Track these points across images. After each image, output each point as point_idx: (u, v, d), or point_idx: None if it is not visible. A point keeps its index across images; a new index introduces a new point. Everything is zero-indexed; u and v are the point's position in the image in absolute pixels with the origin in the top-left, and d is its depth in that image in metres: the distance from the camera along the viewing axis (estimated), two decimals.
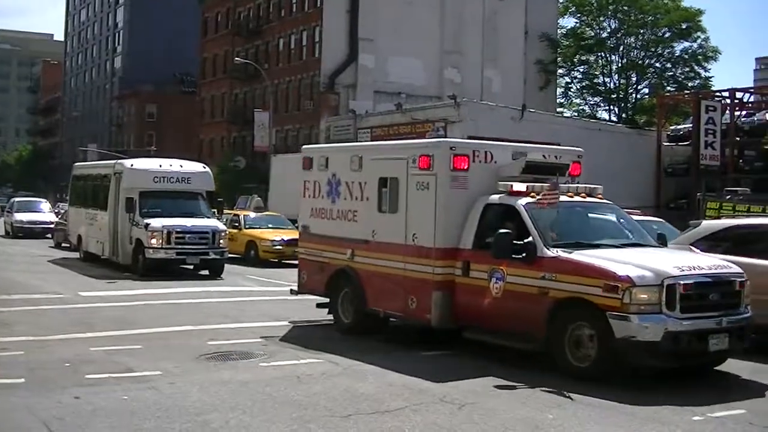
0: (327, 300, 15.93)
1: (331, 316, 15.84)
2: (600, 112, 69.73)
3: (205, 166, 29.32)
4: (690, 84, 65.72)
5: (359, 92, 61.98)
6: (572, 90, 71.98)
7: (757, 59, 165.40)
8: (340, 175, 15.53)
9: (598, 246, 12.49)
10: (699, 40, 66.04)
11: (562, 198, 12.92)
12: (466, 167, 13.50)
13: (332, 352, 13.06)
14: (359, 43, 62.49)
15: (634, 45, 67.50)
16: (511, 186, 13.21)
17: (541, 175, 13.71)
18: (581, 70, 70.43)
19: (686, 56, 66.96)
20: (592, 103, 70.94)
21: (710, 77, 67.40)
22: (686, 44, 66.55)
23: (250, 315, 17.57)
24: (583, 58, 69.10)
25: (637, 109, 67.35)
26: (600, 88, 69.27)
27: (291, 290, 17.28)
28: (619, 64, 68.04)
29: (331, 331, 15.35)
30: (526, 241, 12.34)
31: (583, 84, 70.53)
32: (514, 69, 66.53)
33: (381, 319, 14.83)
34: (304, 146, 18.27)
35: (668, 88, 65.75)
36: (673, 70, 67.94)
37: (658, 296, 11.06)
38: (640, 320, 10.99)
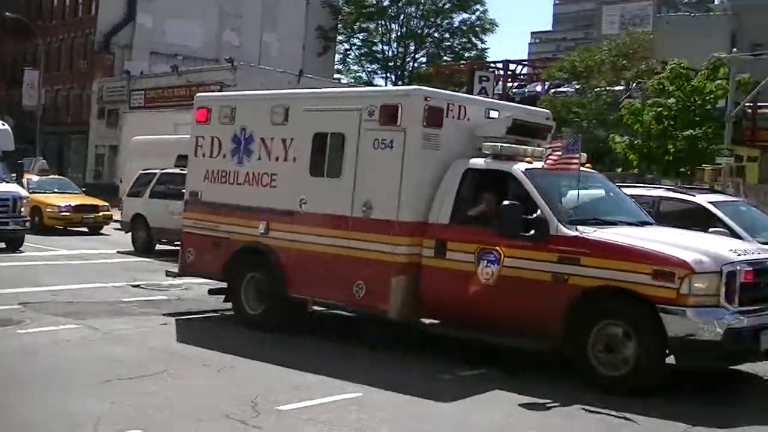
0: (224, 285, 12.44)
1: (227, 305, 12.60)
2: (377, 79, 69.62)
3: (4, 122, 24.50)
4: (466, 55, 67.18)
5: (135, 53, 57.57)
6: (351, 57, 71.76)
7: (532, 33, 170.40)
8: (254, 130, 12.19)
9: (615, 224, 9.95)
10: (477, 12, 67.41)
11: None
12: (440, 123, 10.57)
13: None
14: (137, 2, 57.79)
15: (414, 14, 67.58)
16: (501, 148, 10.41)
17: (524, 137, 11.03)
18: (361, 37, 70.28)
19: (464, 27, 68.26)
20: (369, 70, 70.83)
21: (486, 49, 69.42)
22: (465, 16, 67.92)
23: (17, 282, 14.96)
24: (364, 25, 68.91)
25: (414, 77, 67.49)
26: (378, 55, 69.30)
27: (167, 272, 13.60)
28: (399, 33, 68.11)
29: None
30: (535, 216, 9.58)
31: (362, 51, 70.46)
32: (294, 34, 64.34)
33: (304, 310, 11.55)
34: (198, 94, 14.59)
35: (445, 57, 67.10)
36: (451, 40, 69.12)
37: (717, 286, 8.70)
38: (699, 315, 8.55)
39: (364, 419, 7.71)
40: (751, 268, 9.04)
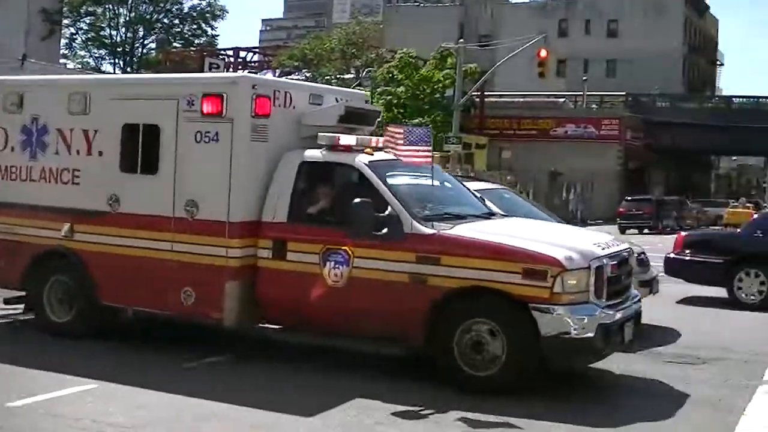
0: (20, 293, 10.90)
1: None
2: (105, 65, 67.50)
3: None
4: (197, 41, 66.71)
5: None
6: (77, 42, 69.20)
7: (263, 20, 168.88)
8: (48, 120, 10.59)
9: (465, 218, 9.35)
10: None
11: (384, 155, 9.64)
12: (268, 112, 9.53)
13: None
14: None
15: None
16: (338, 138, 9.52)
17: (354, 125, 10.20)
18: (88, 21, 68.00)
19: (194, 13, 67.77)
20: (97, 55, 68.77)
21: (217, 36, 69.38)
22: (195, 1, 67.58)
23: None
24: (91, 9, 66.62)
25: (143, 63, 65.67)
26: (106, 40, 67.30)
27: None
28: (127, 18, 66.50)
29: None
30: (386, 213, 8.80)
31: (89, 36, 68.21)
32: (17, 18, 59.62)
33: (116, 316, 10.29)
34: None
35: (175, 44, 66.06)
36: (181, 26, 68.60)
37: (587, 281, 8.30)
38: (572, 313, 8.15)
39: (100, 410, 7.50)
40: (615, 262, 8.72)
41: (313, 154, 9.55)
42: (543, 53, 35.20)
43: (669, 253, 16.26)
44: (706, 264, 15.60)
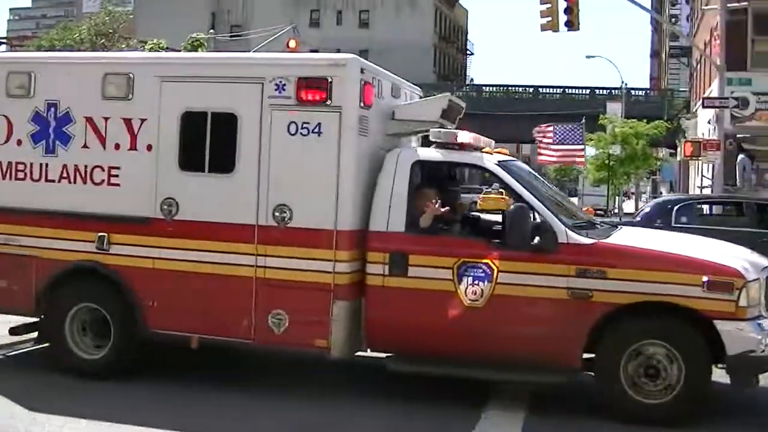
0: (32, 320, 8.84)
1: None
2: None
3: None
4: None
5: None
6: None
7: (11, 9, 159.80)
8: (71, 106, 8.53)
9: (615, 227, 8.40)
10: None
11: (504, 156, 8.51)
12: (371, 103, 8.10)
13: None
14: None
15: None
16: (455, 135, 8.21)
17: (446, 121, 8.91)
18: None
19: None
20: None
21: None
22: None
23: None
24: None
25: None
26: None
27: None
28: None
29: None
30: (538, 221, 7.62)
31: None
32: None
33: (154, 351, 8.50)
34: None
35: None
36: None
37: (759, 294, 7.51)
38: (756, 328, 7.34)
39: None
40: None
41: (430, 153, 8.20)
42: (292, 44, 36.05)
43: None
44: None
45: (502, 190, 48.94)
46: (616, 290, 7.41)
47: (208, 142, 8.18)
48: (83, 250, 8.47)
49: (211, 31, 40.99)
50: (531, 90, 67.18)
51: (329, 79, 7.84)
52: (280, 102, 7.96)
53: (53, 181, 8.61)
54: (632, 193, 62.98)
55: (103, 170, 8.46)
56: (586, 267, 7.46)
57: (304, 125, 7.90)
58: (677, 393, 7.35)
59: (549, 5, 24.15)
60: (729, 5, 25.91)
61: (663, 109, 49.20)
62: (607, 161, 39.60)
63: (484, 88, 70.87)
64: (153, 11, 73.40)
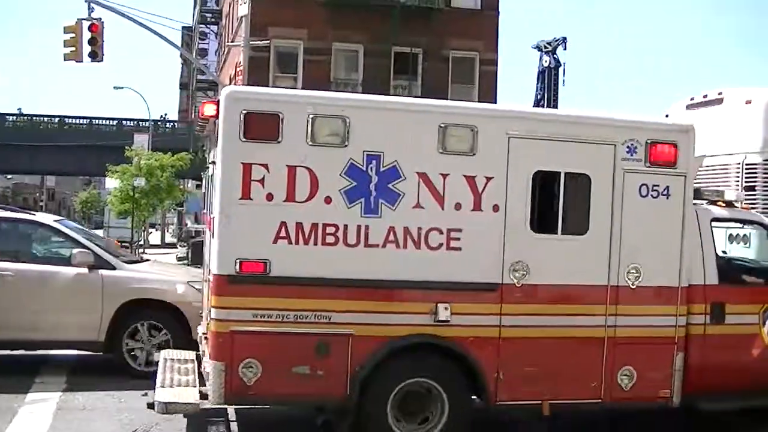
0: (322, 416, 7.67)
1: None
2: None
3: None
4: None
5: None
6: None
7: None
8: (399, 159, 7.37)
9: None
10: None
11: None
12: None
13: None
14: None
15: None
16: (723, 192, 8.99)
17: None
18: None
19: None
20: None
21: None
22: None
23: None
24: None
25: None
26: None
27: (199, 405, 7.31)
28: None
29: None
30: None
31: None
32: None
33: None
34: (234, 88, 7.44)
35: None
36: None
37: None
38: None
39: None
40: None
41: (721, 211, 8.72)
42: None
43: None
44: None
45: None
46: None
47: (561, 203, 7.70)
48: (417, 323, 7.40)
49: None
50: (57, 120, 62.50)
51: (677, 144, 7.95)
52: (631, 165, 7.84)
53: (375, 246, 7.29)
54: (158, 225, 62.07)
55: (442, 233, 7.43)
56: None
57: (655, 188, 7.91)
58: None
59: (72, 35, 23.24)
60: (252, 42, 27.12)
61: (190, 141, 49.02)
62: (131, 193, 38.95)
63: (7, 117, 63.68)
64: None
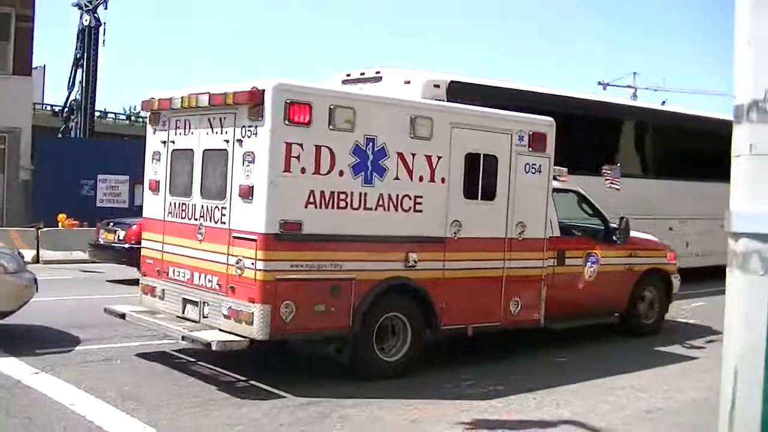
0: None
1: None
2: None
3: None
4: None
5: None
6: None
7: None
8: (386, 142, 9.47)
9: None
10: None
11: None
12: None
13: None
14: None
15: None
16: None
17: None
18: None
19: None
20: None
21: None
22: None
23: None
24: None
25: None
26: None
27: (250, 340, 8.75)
28: None
29: None
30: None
31: None
32: None
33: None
34: (277, 82, 8.39)
35: None
36: None
37: None
38: None
39: None
40: None
41: (557, 184, 11.74)
42: None
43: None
44: None
45: None
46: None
47: (480, 177, 10.28)
48: (395, 269, 9.55)
49: None
50: None
51: (546, 135, 10.92)
52: (520, 149, 10.65)
53: (371, 209, 9.32)
54: None
55: (411, 199, 9.64)
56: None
57: (533, 166, 10.81)
58: None
59: None
60: None
61: None
62: None
63: None
64: None
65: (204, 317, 9.32)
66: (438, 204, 9.82)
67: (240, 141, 8.91)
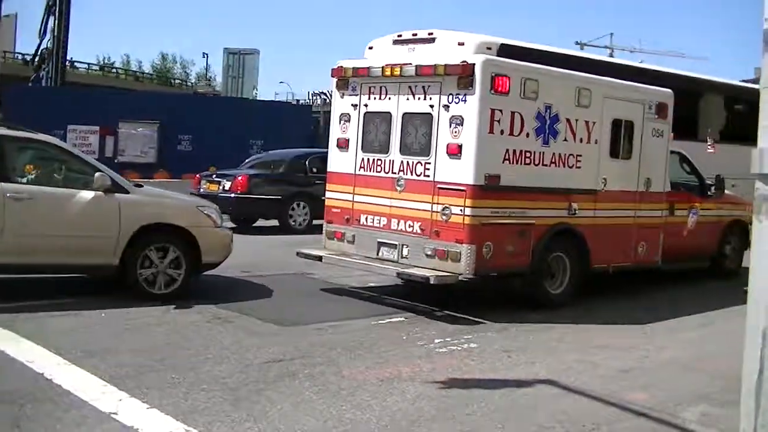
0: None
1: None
2: None
3: None
4: None
5: None
6: None
7: None
8: (559, 110, 11.09)
9: None
10: None
11: None
12: None
13: None
14: None
15: None
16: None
17: None
18: None
19: None
20: None
21: None
22: None
23: None
24: None
25: None
26: None
27: (428, 279, 10.36)
28: None
29: None
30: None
31: None
32: None
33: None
34: (484, 57, 9.97)
35: None
36: None
37: None
38: None
39: None
40: None
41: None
42: None
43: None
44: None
45: None
46: None
47: (621, 139, 12.01)
48: (560, 216, 11.28)
49: None
50: None
51: (667, 105, 12.65)
52: (650, 116, 12.39)
53: (546, 165, 11.00)
54: None
55: (573, 158, 11.33)
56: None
57: (657, 131, 12.57)
58: None
59: None
60: None
61: None
62: None
63: None
64: None
65: (403, 257, 10.89)
66: (592, 161, 11.52)
67: (446, 107, 10.44)
